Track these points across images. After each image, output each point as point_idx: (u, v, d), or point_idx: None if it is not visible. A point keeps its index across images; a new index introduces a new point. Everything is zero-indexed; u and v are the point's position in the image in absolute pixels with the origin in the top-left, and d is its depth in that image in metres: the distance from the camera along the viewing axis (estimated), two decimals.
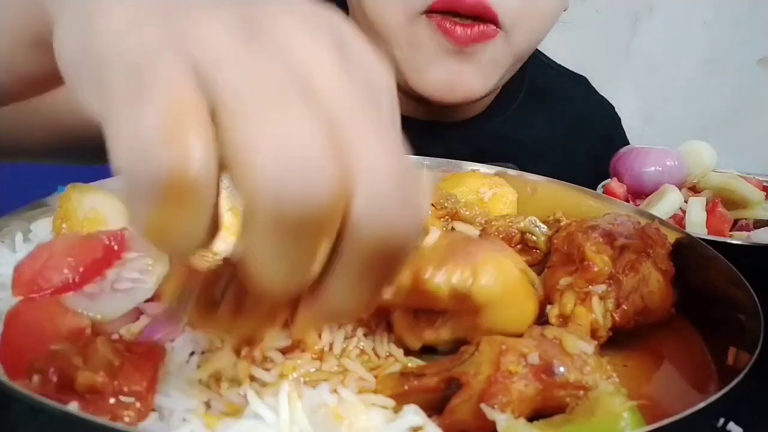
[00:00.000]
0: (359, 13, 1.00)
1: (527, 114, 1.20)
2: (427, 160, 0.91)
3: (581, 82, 1.37)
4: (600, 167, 1.25)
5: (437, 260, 0.51)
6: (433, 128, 1.12)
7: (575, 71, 1.36)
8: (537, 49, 1.30)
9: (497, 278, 0.52)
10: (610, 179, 0.98)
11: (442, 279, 0.50)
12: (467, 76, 0.96)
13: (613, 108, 1.36)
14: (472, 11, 0.91)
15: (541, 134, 1.21)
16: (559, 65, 1.36)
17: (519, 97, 1.20)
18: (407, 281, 0.51)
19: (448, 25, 0.91)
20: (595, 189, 0.83)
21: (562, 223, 0.67)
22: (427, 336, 0.52)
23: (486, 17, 0.91)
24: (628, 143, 1.35)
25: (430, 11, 0.92)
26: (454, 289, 0.50)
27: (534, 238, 0.66)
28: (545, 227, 0.67)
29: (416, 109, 1.09)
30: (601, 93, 1.35)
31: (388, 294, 0.43)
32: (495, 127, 1.16)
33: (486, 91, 1.01)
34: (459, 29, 0.91)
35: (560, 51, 1.39)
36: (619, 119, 1.37)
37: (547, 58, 1.35)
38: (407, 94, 1.01)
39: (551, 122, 1.24)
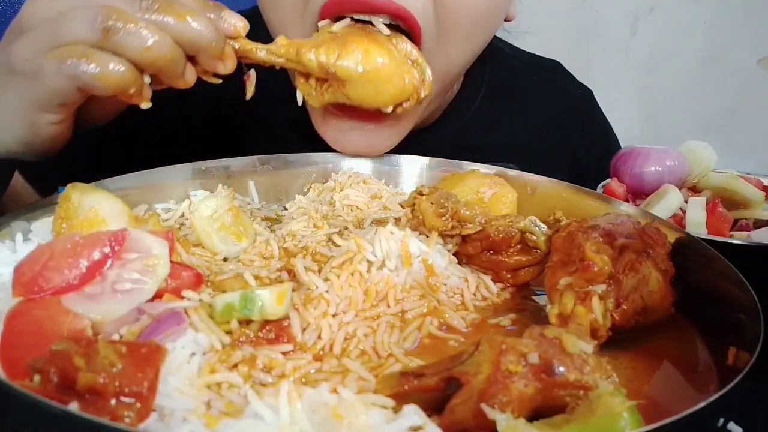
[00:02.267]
0: (270, 30, 0.92)
1: (489, 115, 1.12)
2: (426, 160, 0.91)
3: (552, 69, 1.27)
4: (577, 159, 1.19)
5: (323, 43, 0.76)
6: None
7: (582, 71, 1.30)
8: (500, 41, 1.19)
9: (357, 61, 0.75)
10: (610, 179, 0.98)
11: (313, 55, 0.75)
12: None
13: (590, 93, 1.28)
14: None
15: (508, 135, 1.13)
16: (528, 54, 1.26)
17: (478, 98, 1.12)
18: (291, 53, 0.75)
19: None
20: (577, 183, 0.83)
21: (562, 223, 0.67)
22: (319, 97, 0.80)
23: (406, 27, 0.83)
24: (609, 129, 1.30)
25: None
26: (319, 63, 0.75)
27: (534, 237, 0.66)
28: (545, 227, 0.67)
29: None
30: (601, 93, 1.31)
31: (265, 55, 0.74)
32: (452, 134, 1.08)
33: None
34: None
35: (560, 51, 1.38)
36: (596, 105, 1.29)
37: (513, 48, 1.25)
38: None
39: (518, 120, 1.16)
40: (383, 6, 0.79)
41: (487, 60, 1.08)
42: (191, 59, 0.69)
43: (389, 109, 0.80)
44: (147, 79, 0.67)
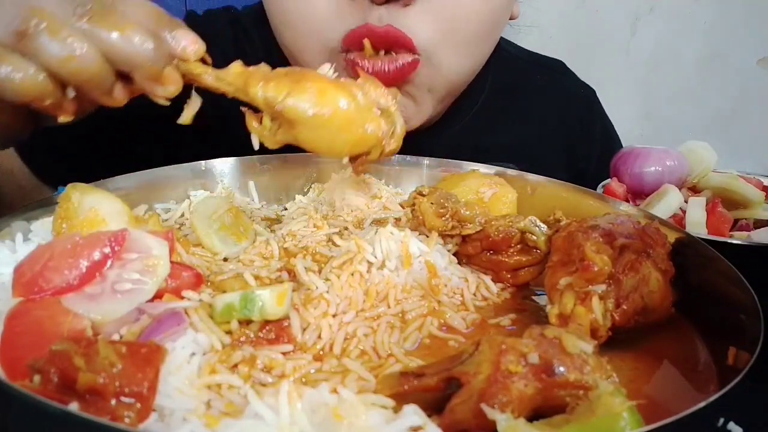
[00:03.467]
0: (282, 46, 0.97)
1: (491, 116, 1.13)
2: (426, 160, 0.91)
3: (555, 68, 1.27)
4: (577, 158, 1.19)
5: (274, 77, 0.64)
6: None
7: (582, 71, 1.30)
8: (504, 41, 1.19)
9: (309, 101, 0.63)
10: (610, 179, 0.98)
11: (260, 90, 0.63)
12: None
13: (593, 92, 1.29)
14: (384, 44, 0.86)
15: (509, 135, 1.13)
16: (531, 53, 1.27)
17: (481, 99, 1.12)
18: (240, 83, 0.64)
19: (359, 62, 0.85)
20: (576, 183, 0.83)
21: (562, 223, 0.67)
22: (272, 138, 0.66)
23: (401, 47, 0.86)
24: (610, 129, 1.30)
25: (346, 50, 0.87)
26: (266, 99, 0.63)
27: (534, 237, 0.66)
28: (545, 227, 0.67)
29: None
30: (602, 93, 1.32)
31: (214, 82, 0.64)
32: (453, 135, 1.09)
33: (421, 120, 0.95)
34: (367, 64, 0.86)
35: (560, 51, 1.38)
36: (598, 104, 1.29)
37: (516, 47, 1.25)
38: None
39: (520, 120, 1.16)
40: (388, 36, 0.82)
41: (491, 60, 1.07)
42: (127, 77, 0.62)
43: (345, 160, 0.70)
44: (71, 93, 0.60)
